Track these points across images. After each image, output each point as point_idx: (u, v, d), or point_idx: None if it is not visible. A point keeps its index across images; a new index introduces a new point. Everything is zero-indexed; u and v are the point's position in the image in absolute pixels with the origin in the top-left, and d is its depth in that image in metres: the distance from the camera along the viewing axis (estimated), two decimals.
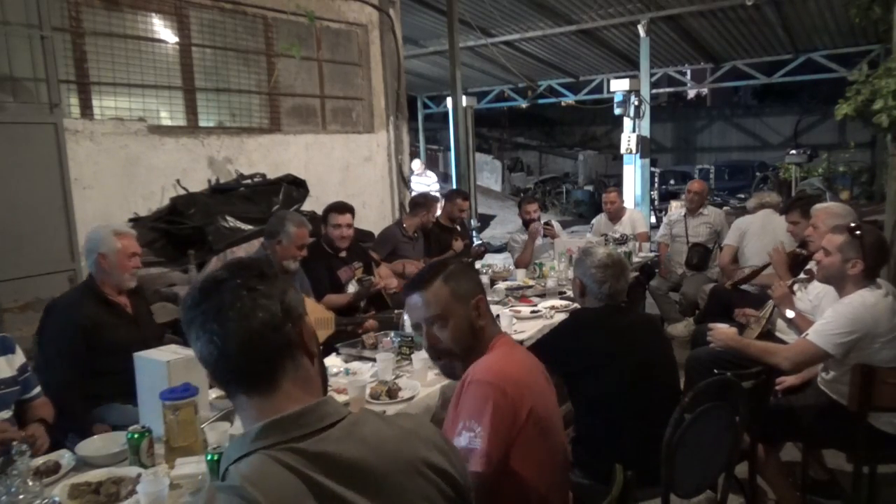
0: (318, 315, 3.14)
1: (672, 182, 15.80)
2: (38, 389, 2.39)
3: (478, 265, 5.18)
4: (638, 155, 10.48)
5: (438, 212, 5.45)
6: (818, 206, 3.53)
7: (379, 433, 1.02)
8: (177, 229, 4.42)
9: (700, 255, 5.54)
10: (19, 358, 2.32)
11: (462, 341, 1.68)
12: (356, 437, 0.99)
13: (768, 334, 3.23)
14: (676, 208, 7.01)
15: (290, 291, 1.04)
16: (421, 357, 2.63)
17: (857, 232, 2.54)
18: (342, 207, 4.00)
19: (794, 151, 11.70)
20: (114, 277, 2.75)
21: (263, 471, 0.90)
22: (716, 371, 2.84)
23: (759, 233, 4.65)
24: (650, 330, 2.42)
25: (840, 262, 2.55)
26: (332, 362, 2.88)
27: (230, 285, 1.00)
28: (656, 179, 14.62)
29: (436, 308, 1.67)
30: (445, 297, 1.67)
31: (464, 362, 1.71)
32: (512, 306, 3.79)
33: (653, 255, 5.90)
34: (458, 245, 5.18)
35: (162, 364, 2.07)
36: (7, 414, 2.23)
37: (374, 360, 2.75)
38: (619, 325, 2.33)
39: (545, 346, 2.45)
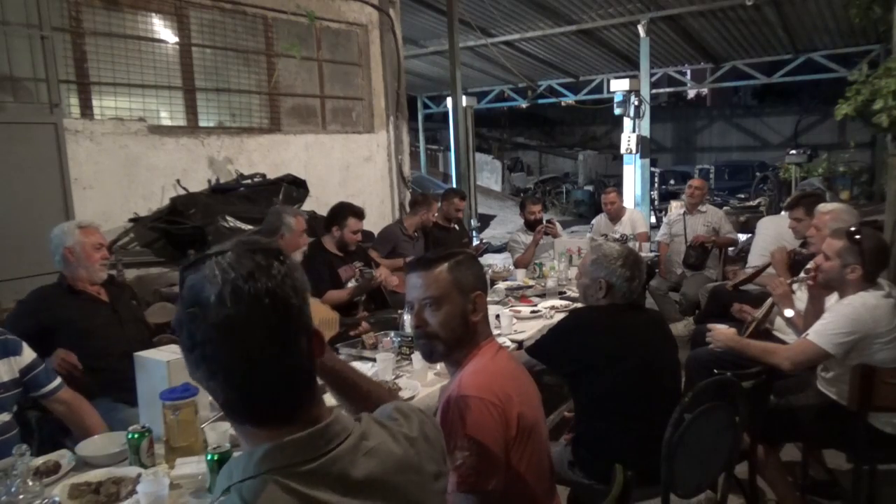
0: (323, 315, 3.14)
1: (672, 182, 15.80)
2: (56, 383, 2.31)
3: None
4: (638, 155, 10.48)
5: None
6: (823, 206, 3.51)
7: (385, 445, 1.01)
8: (177, 229, 4.42)
9: (698, 255, 5.55)
10: (25, 358, 2.28)
11: (451, 329, 1.67)
12: (363, 452, 0.97)
13: (767, 334, 3.23)
14: (676, 208, 7.02)
15: (306, 307, 0.93)
16: (421, 357, 2.63)
17: (857, 237, 2.54)
18: (361, 213, 4.03)
19: (794, 151, 11.71)
20: (83, 270, 2.74)
21: (272, 500, 0.87)
22: (716, 371, 2.84)
23: (769, 232, 4.67)
24: (653, 330, 2.39)
25: (839, 266, 2.55)
26: None
27: (255, 328, 0.87)
28: (656, 179, 14.63)
29: (433, 291, 1.66)
30: (446, 283, 1.66)
31: (446, 348, 1.70)
32: (512, 306, 3.79)
33: (653, 255, 5.90)
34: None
35: (162, 364, 2.07)
36: (7, 417, 2.22)
37: (374, 360, 2.75)
38: (620, 324, 2.32)
39: (545, 347, 2.43)
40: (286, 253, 0.95)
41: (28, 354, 2.29)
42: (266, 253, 0.92)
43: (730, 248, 5.86)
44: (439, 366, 2.52)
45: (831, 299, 2.79)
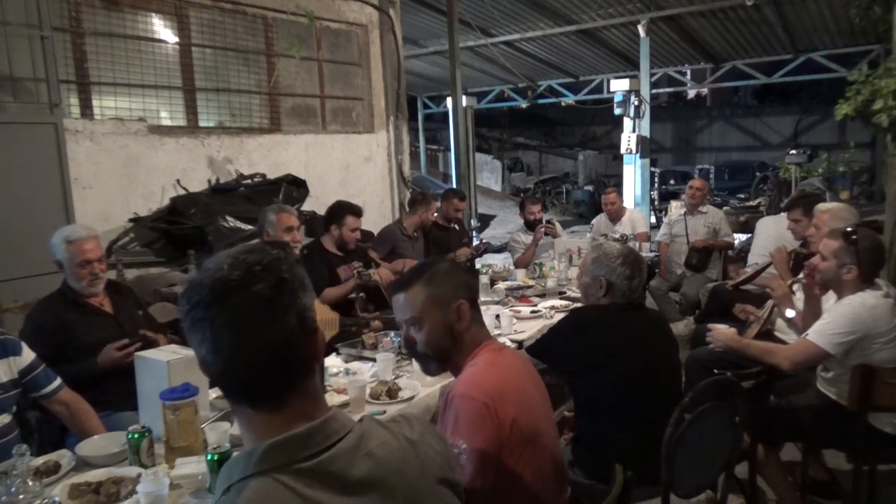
0: (322, 316, 3.14)
1: (672, 182, 15.80)
2: (55, 384, 2.31)
3: (478, 265, 5.18)
4: (638, 155, 10.48)
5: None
6: (822, 206, 3.51)
7: (385, 446, 1.01)
8: (177, 229, 4.42)
9: (700, 256, 5.55)
10: (25, 359, 2.27)
11: (436, 345, 1.68)
12: (363, 452, 0.97)
13: (767, 334, 3.23)
14: (676, 208, 7.02)
15: (304, 296, 0.97)
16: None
17: (853, 237, 2.54)
18: (360, 211, 4.02)
19: (794, 151, 11.71)
20: (72, 284, 2.70)
21: (269, 497, 0.87)
22: (716, 371, 2.84)
23: (768, 232, 4.66)
24: (655, 330, 2.39)
25: (835, 267, 2.56)
26: (332, 362, 2.88)
27: (246, 293, 0.90)
28: (656, 179, 14.62)
29: (412, 311, 1.67)
30: (423, 301, 1.66)
31: (439, 363, 1.72)
32: (512, 306, 3.79)
33: (653, 255, 5.91)
34: (462, 252, 5.14)
35: (162, 364, 2.08)
36: (7, 418, 2.21)
37: (374, 360, 2.75)
38: (621, 323, 2.31)
39: (545, 346, 2.43)
40: (289, 247, 0.99)
41: (28, 355, 2.28)
42: (270, 244, 0.99)
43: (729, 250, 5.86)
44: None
45: (829, 300, 2.79)
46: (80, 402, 2.35)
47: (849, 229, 2.61)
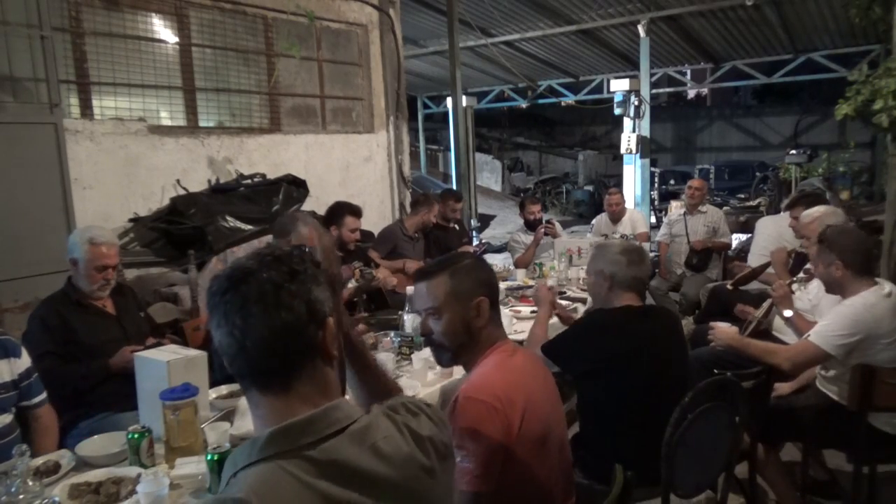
0: None
1: (672, 182, 15.80)
2: (41, 396, 2.33)
3: None
4: (638, 155, 10.47)
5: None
6: (806, 215, 3.43)
7: (390, 441, 1.01)
8: (177, 229, 4.42)
9: (700, 256, 5.55)
10: (24, 363, 2.28)
11: (452, 338, 1.69)
12: (368, 445, 0.98)
13: (766, 334, 3.23)
14: (676, 208, 7.02)
15: (317, 289, 1.01)
16: (421, 357, 2.64)
17: (823, 237, 2.59)
18: (359, 211, 4.04)
19: (794, 151, 11.70)
20: (83, 284, 2.70)
21: (271, 482, 0.89)
22: (716, 371, 2.84)
23: (768, 232, 4.65)
24: (668, 335, 2.36)
25: (824, 269, 2.58)
26: None
27: (258, 279, 0.97)
28: (656, 179, 14.62)
29: (433, 301, 1.69)
30: (444, 293, 1.68)
31: (453, 355, 1.73)
32: (512, 306, 3.79)
33: (653, 255, 5.91)
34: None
35: (162, 364, 2.08)
36: (8, 418, 2.21)
37: None
38: (635, 329, 2.29)
39: (558, 345, 2.42)
40: (308, 248, 1.07)
41: (25, 360, 2.29)
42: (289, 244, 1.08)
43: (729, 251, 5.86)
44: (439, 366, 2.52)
45: (831, 300, 2.79)
46: (52, 421, 2.38)
47: (820, 230, 2.65)
